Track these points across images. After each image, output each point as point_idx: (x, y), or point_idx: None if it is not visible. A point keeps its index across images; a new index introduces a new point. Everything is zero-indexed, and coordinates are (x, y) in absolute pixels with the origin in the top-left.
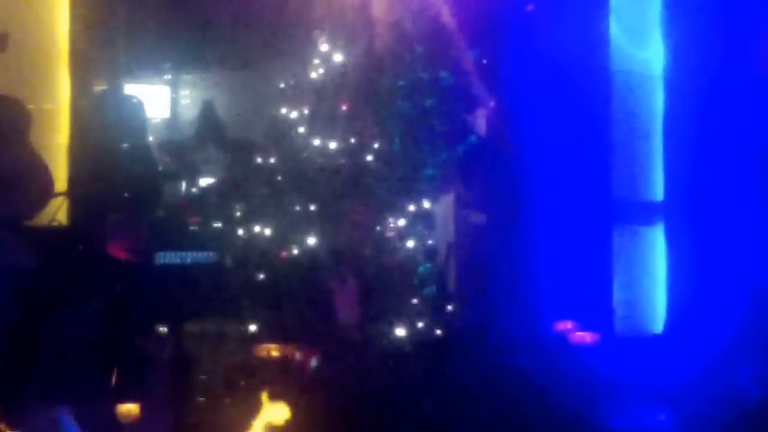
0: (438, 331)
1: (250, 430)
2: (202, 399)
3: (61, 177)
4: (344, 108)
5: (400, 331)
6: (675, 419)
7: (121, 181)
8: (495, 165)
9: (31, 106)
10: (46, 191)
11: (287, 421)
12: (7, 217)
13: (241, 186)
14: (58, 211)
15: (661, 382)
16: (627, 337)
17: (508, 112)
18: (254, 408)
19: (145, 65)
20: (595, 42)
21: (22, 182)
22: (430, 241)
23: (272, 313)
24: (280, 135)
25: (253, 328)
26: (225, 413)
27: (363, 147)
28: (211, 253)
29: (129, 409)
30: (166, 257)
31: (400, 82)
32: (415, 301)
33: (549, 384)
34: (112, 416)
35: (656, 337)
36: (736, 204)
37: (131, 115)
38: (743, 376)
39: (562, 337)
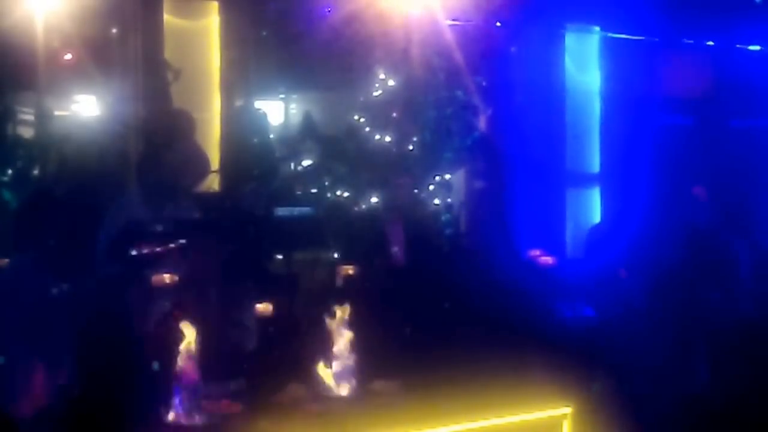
0: (452, 256)
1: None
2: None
3: (214, 160)
4: (394, 115)
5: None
6: (598, 309)
7: (252, 163)
8: (490, 150)
9: (195, 115)
10: (205, 170)
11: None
12: (183, 187)
13: (328, 165)
14: (213, 183)
15: (593, 286)
16: (573, 258)
17: (499, 117)
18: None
19: (267, 88)
20: (556, 69)
21: (191, 164)
22: (448, 200)
23: (348, 245)
24: (353, 132)
25: (336, 255)
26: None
27: (406, 139)
28: (309, 208)
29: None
30: (279, 211)
31: (430, 98)
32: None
33: (524, 289)
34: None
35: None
36: (642, 174)
37: (259, 120)
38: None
39: (533, 259)
